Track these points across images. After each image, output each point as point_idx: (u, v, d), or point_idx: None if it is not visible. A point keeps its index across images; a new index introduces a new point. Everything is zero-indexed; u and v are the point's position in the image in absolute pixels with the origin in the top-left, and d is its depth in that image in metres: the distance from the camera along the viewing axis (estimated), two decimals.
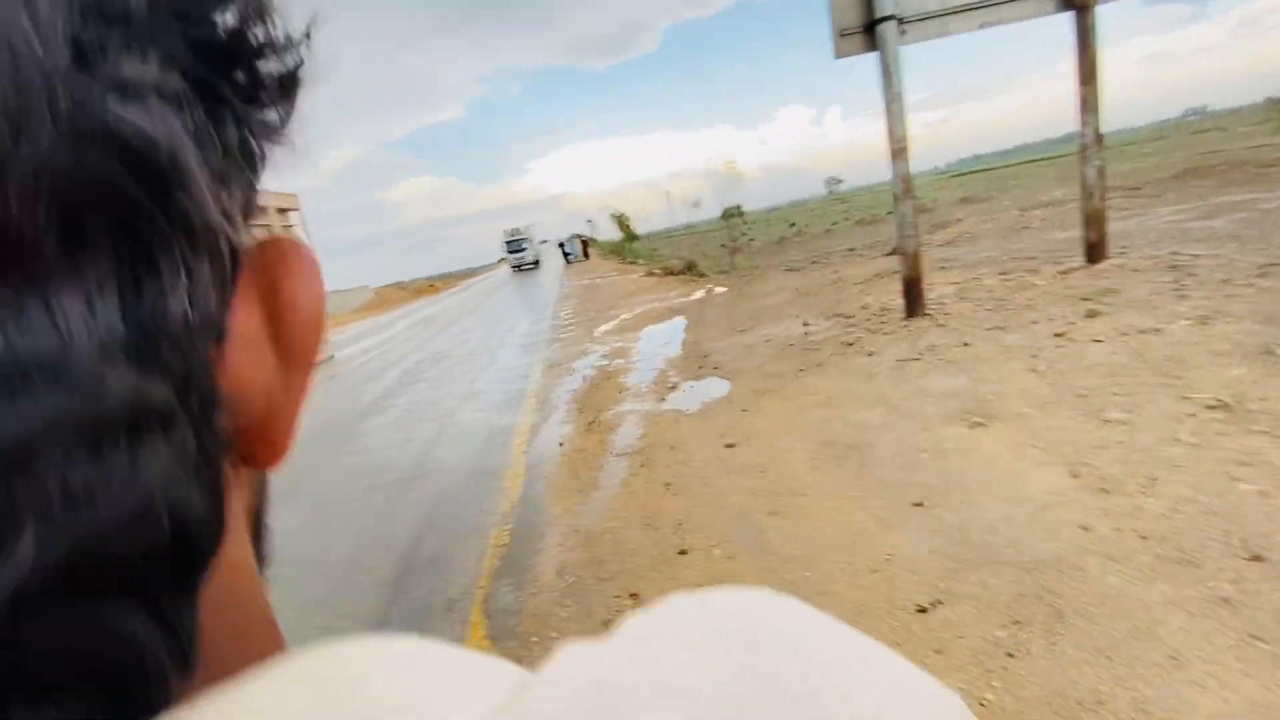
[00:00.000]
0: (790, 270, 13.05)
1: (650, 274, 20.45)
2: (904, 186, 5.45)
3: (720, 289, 12.54)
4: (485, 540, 3.39)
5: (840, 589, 2.35)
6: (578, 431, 4.97)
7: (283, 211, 39.39)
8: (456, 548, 3.38)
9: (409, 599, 2.93)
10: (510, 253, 47.63)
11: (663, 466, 3.86)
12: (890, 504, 2.81)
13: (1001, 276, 6.77)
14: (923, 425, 3.52)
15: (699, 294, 12.52)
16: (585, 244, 42.64)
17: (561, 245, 42.78)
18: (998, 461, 2.96)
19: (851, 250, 14.99)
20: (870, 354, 5.10)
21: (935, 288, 6.84)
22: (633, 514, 3.31)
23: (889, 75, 5.23)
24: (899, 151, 5.38)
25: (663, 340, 8.22)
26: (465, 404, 6.78)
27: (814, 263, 13.68)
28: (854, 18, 5.30)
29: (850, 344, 5.54)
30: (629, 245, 42.59)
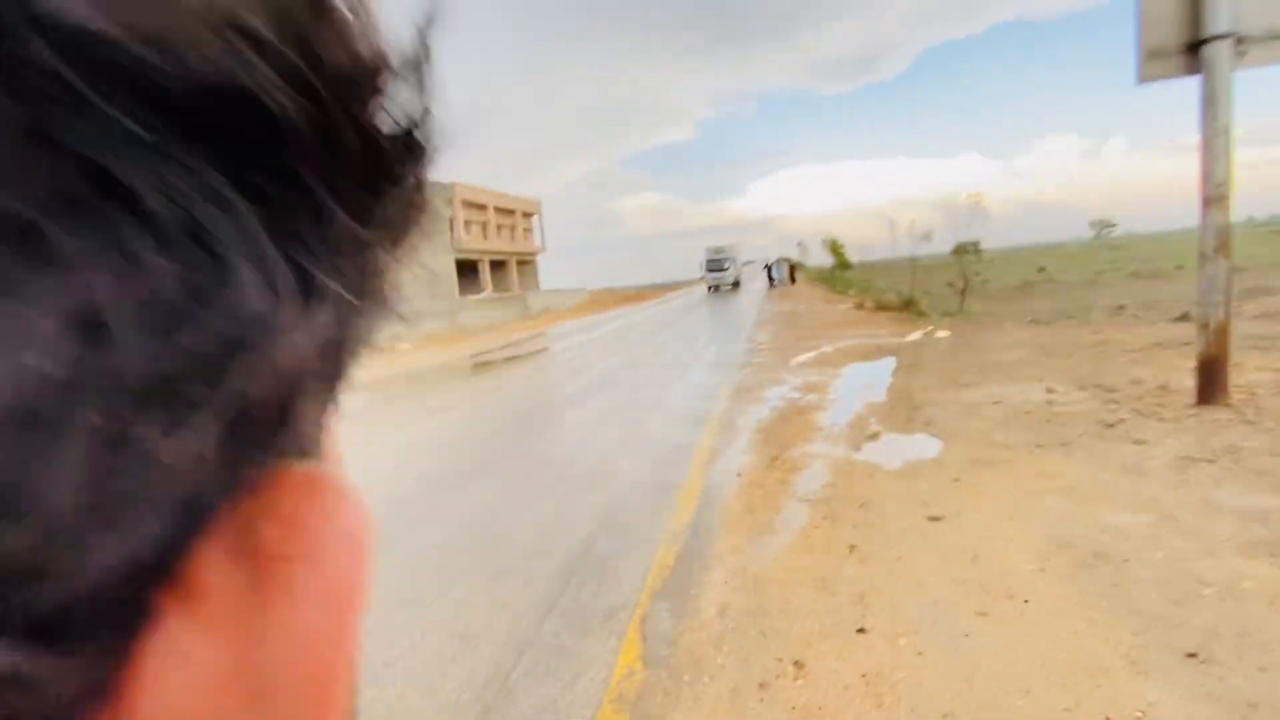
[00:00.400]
0: (1035, 323, 11.31)
1: (860, 306, 19.25)
2: (1218, 242, 4.33)
3: (942, 333, 11.31)
4: (652, 556, 3.38)
5: None
6: (758, 464, 4.77)
7: (527, 215, 44.37)
8: (624, 556, 3.41)
9: (573, 598, 3.02)
10: (709, 271, 43.47)
11: (849, 524, 3.51)
12: (1149, 644, 2.20)
13: None
14: (1209, 551, 2.72)
15: (915, 335, 11.43)
16: (793, 269, 41.61)
17: (768, 267, 42.23)
18: None
19: (1122, 308, 12.54)
20: (1139, 442, 4.13)
21: (1245, 372, 5.37)
22: (808, 570, 3.04)
23: (1214, 104, 4.19)
24: (1217, 199, 4.29)
25: (866, 381, 7.61)
26: (652, 414, 6.94)
27: (1068, 317, 11.69)
28: (1172, 35, 4.34)
29: (1111, 425, 4.55)
30: (840, 273, 40.60)
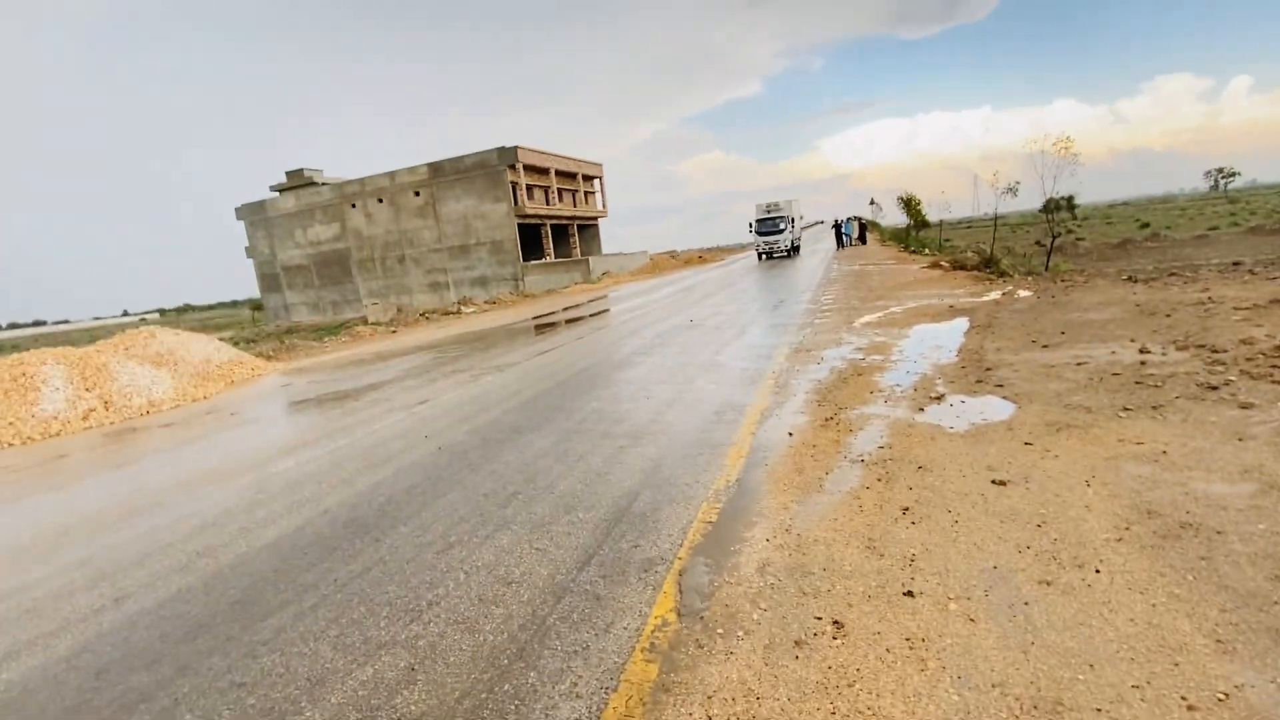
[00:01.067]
0: (1132, 280, 10.32)
1: (935, 265, 18.19)
2: None
3: (1024, 292, 10.53)
4: (694, 511, 3.32)
5: None
6: (812, 425, 4.60)
7: (589, 179, 44.03)
8: (667, 511, 3.37)
9: (613, 547, 3.01)
10: (760, 234, 32.95)
11: (904, 486, 3.32)
12: (1241, 623, 1.96)
13: None
14: None
15: (994, 294, 10.70)
16: (863, 227, 39.56)
17: (836, 225, 39.58)
18: None
19: (1237, 265, 11.24)
20: (1245, 406, 3.69)
21: None
22: (857, 531, 2.90)
23: None
24: None
25: (935, 342, 7.18)
26: (705, 374, 6.82)
27: (1171, 274, 10.60)
28: None
29: (1214, 387, 4.09)
30: (914, 233, 38.43)
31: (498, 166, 34.68)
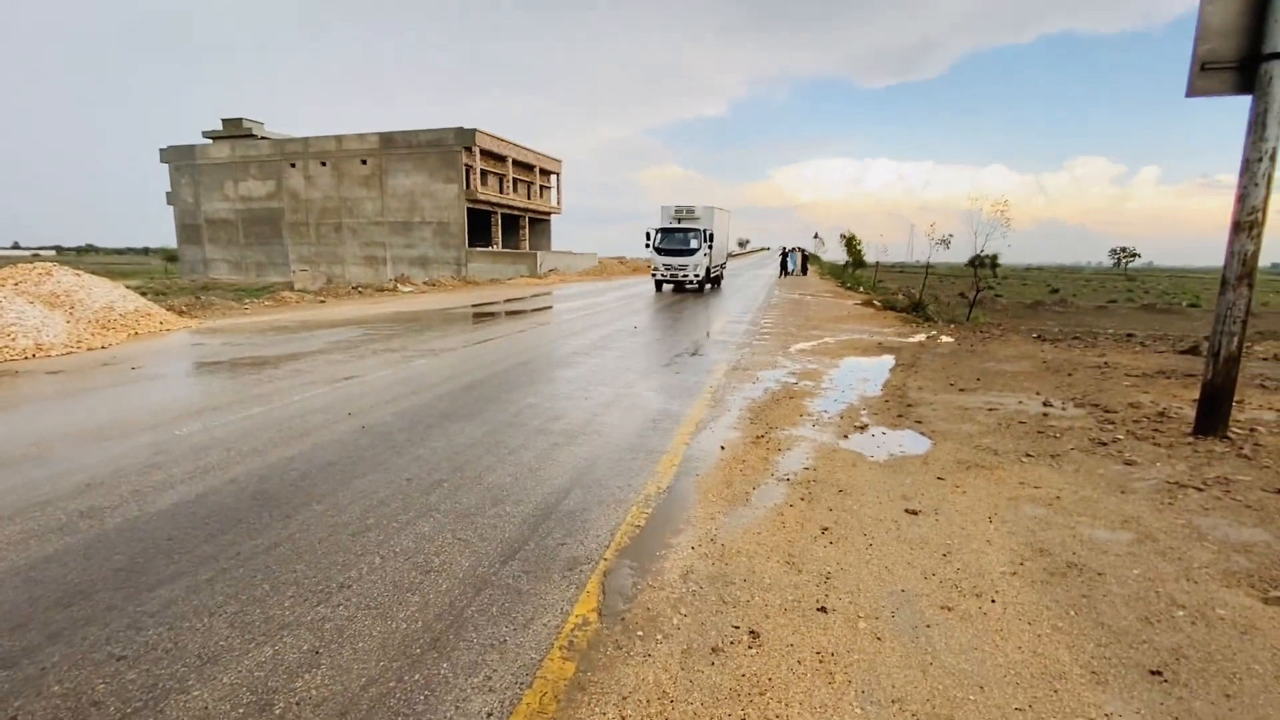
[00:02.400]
0: (1041, 339, 11.17)
1: (869, 303, 19.08)
2: (1242, 269, 4.20)
3: (946, 338, 11.19)
4: (624, 514, 3.33)
5: None
6: (744, 440, 4.71)
7: (546, 173, 43.42)
8: (596, 511, 3.36)
9: (539, 543, 2.98)
10: (661, 251, 21.50)
11: (825, 507, 3.46)
12: (1113, 657, 2.15)
13: None
14: (1187, 574, 2.66)
15: (919, 337, 11.31)
16: (806, 259, 41.07)
17: (785, 253, 40.66)
18: None
19: (1130, 336, 12.38)
20: (1129, 463, 4.06)
21: (1246, 408, 5.28)
22: (778, 546, 2.99)
23: (1262, 127, 4.02)
24: (1249, 225, 4.14)
25: (863, 375, 7.52)
26: (645, 381, 6.86)
27: (1075, 338, 11.55)
28: (1229, 49, 4.15)
29: (1104, 443, 4.48)
30: (851, 270, 40.24)
31: (453, 146, 33.79)
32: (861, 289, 27.37)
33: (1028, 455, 4.32)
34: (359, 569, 2.74)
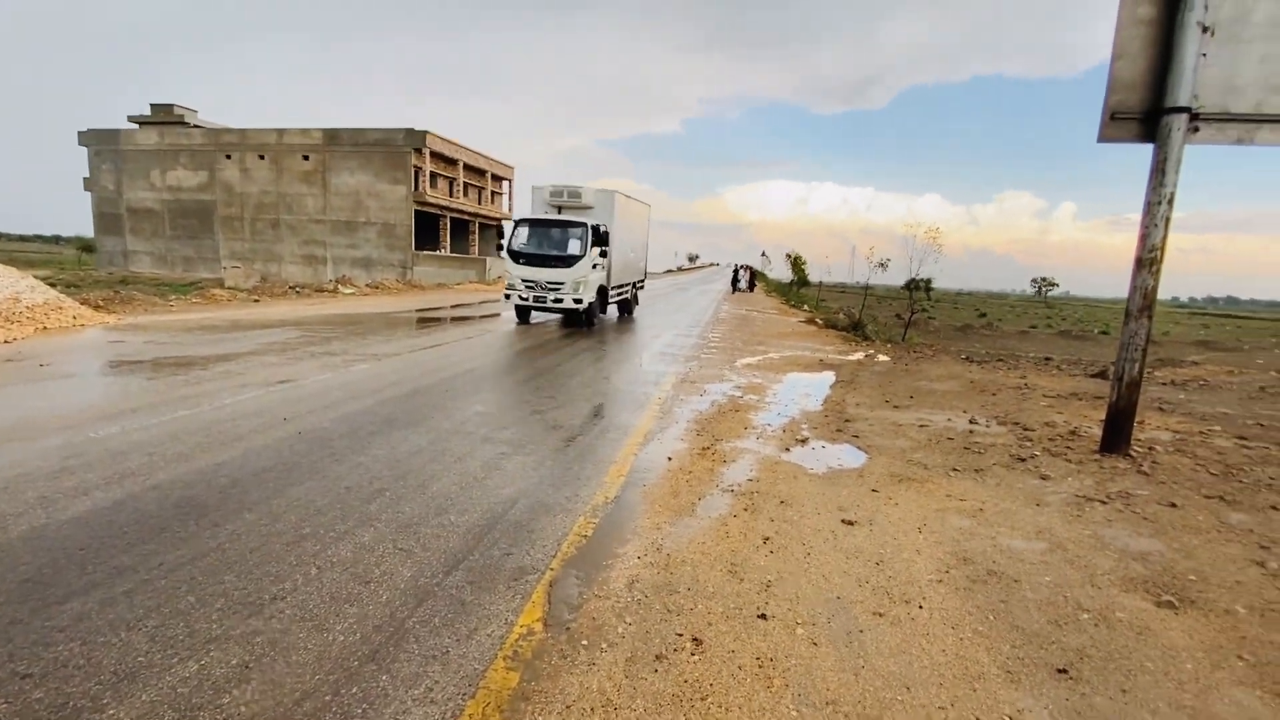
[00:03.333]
0: (969, 360, 11.82)
1: (811, 321, 19.72)
2: (1143, 302, 4.60)
3: (883, 357, 11.69)
4: (571, 524, 3.34)
5: None
6: (690, 452, 4.80)
7: (498, 179, 42.76)
8: (544, 521, 3.36)
9: (484, 554, 2.95)
10: (517, 256, 13.10)
11: (767, 518, 3.57)
12: (1026, 658, 2.31)
13: (1239, 441, 5.51)
14: (1091, 580, 2.89)
15: (857, 355, 11.77)
16: (754, 276, 42.09)
17: (737, 270, 41.35)
18: (1182, 658, 2.32)
19: (1048, 360, 13.25)
20: (1044, 478, 4.37)
21: (1146, 428, 5.75)
22: (721, 555, 3.07)
23: (1162, 173, 4.45)
24: (1149, 262, 4.56)
25: (805, 390, 7.78)
26: (593, 390, 6.88)
27: (999, 360, 12.28)
28: (1135, 101, 4.58)
29: (1022, 459, 4.79)
30: (795, 289, 41.52)
31: (403, 147, 33.03)
32: (805, 307, 28.28)
33: (955, 470, 4.57)
34: (293, 580, 2.65)
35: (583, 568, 2.89)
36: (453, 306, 17.07)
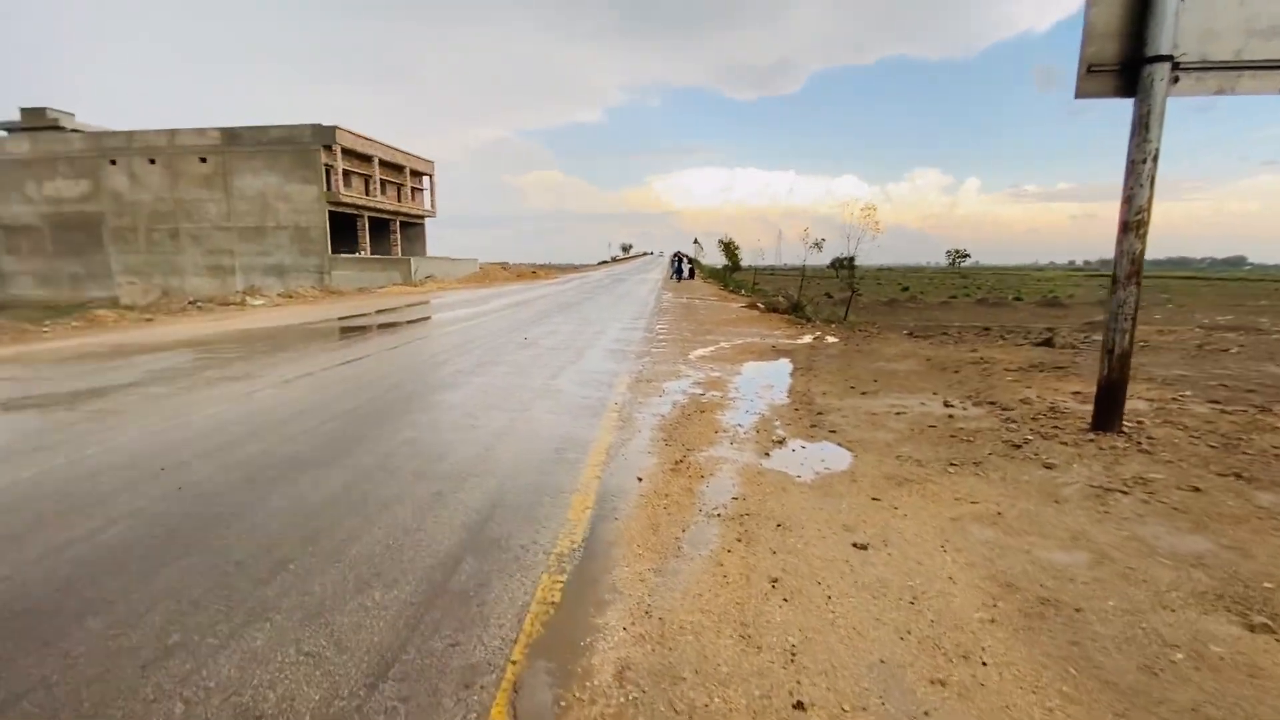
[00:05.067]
0: (915, 337, 11.74)
1: (752, 306, 19.50)
2: (1131, 268, 4.31)
3: (831, 339, 11.44)
4: (532, 586, 2.66)
5: None
6: (662, 468, 4.19)
7: (417, 174, 41.00)
8: (497, 586, 2.66)
9: (421, 648, 2.23)
10: None
11: (767, 549, 3.00)
12: None
13: (1215, 405, 5.39)
14: (1159, 601, 2.47)
15: (807, 339, 11.49)
16: (692, 265, 41.81)
17: (679, 259, 40.74)
18: None
19: (987, 330, 13.41)
20: (1049, 466, 4.00)
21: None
22: (726, 612, 2.47)
23: (1145, 128, 4.15)
24: (1136, 225, 4.26)
25: (766, 381, 7.31)
26: (541, 401, 6.16)
27: (944, 333, 12.28)
28: (1112, 51, 4.26)
29: (1017, 445, 4.44)
30: (730, 275, 41.60)
31: (310, 145, 30.73)
32: (743, 292, 28.19)
33: (952, 465, 4.15)
34: None
35: (554, 655, 2.22)
36: (376, 312, 15.79)
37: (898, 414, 5.54)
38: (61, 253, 33.63)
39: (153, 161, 32.04)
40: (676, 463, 4.29)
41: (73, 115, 35.37)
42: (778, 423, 5.38)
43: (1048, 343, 9.98)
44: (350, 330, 12.39)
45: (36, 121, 33.98)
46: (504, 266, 49.42)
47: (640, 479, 3.99)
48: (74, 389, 6.55)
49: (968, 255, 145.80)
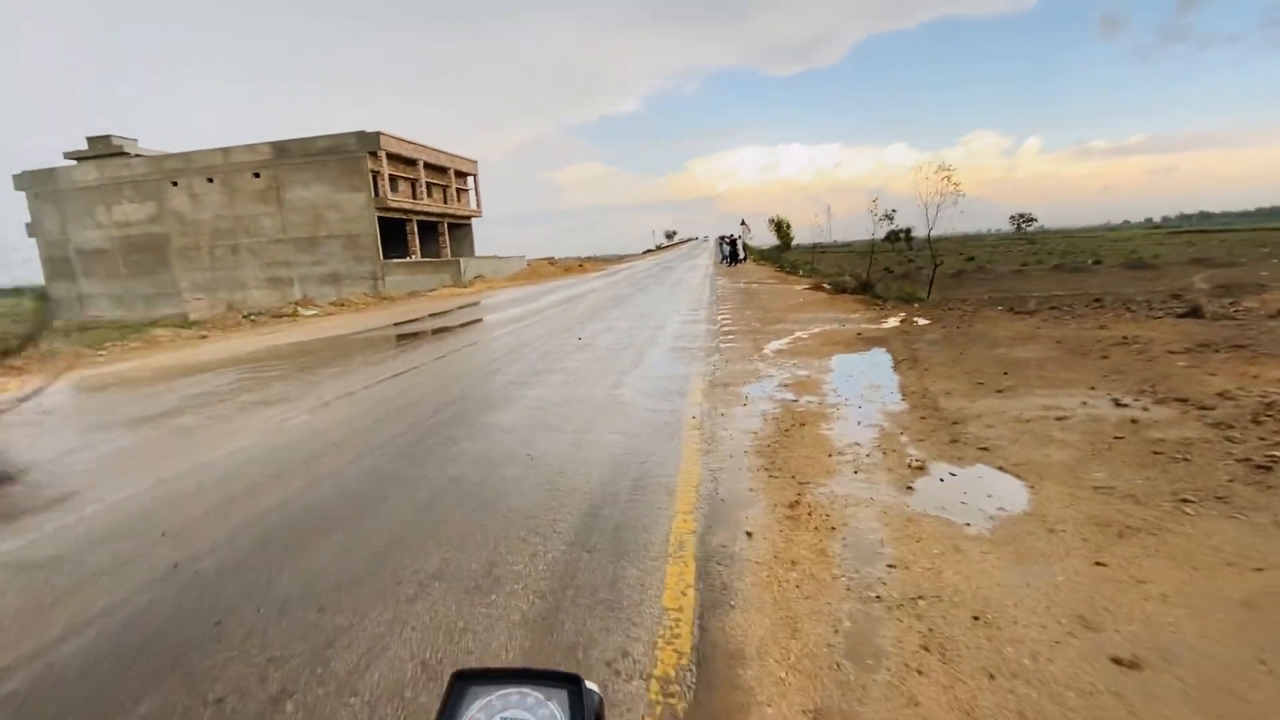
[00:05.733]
0: (1019, 314, 10.26)
1: (818, 287, 18.13)
2: None
3: (922, 320, 10.11)
4: None
5: None
6: (775, 516, 3.19)
7: (462, 175, 40.83)
8: None
9: None
10: None
11: (978, 669, 1.97)
12: None
13: None
14: None
15: (892, 322, 10.20)
16: (744, 246, 39.94)
17: (729, 241, 38.15)
18: None
19: (1098, 302, 11.73)
20: None
21: None
22: None
23: None
24: None
25: (867, 379, 6.18)
26: (606, 418, 5.25)
27: (1052, 308, 10.74)
28: None
29: (1263, 467, 3.22)
30: (783, 255, 39.73)
31: (356, 152, 30.83)
32: (800, 272, 26.62)
33: (1184, 501, 2.99)
34: None
35: None
36: (427, 318, 15.31)
37: (1059, 420, 4.35)
38: (133, 273, 35.11)
39: (210, 180, 32.93)
40: (791, 505, 3.28)
41: (135, 140, 36.77)
42: (904, 438, 4.29)
43: (1194, 313, 8.39)
44: (398, 338, 11.85)
45: (102, 149, 35.47)
46: (551, 262, 49.01)
47: (750, 533, 3.01)
48: (100, 422, 6.06)
49: (1034, 219, 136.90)
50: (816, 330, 9.77)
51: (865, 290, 16.35)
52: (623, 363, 7.69)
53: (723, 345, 8.70)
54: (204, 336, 13.62)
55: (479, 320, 14.39)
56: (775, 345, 8.50)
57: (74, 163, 35.14)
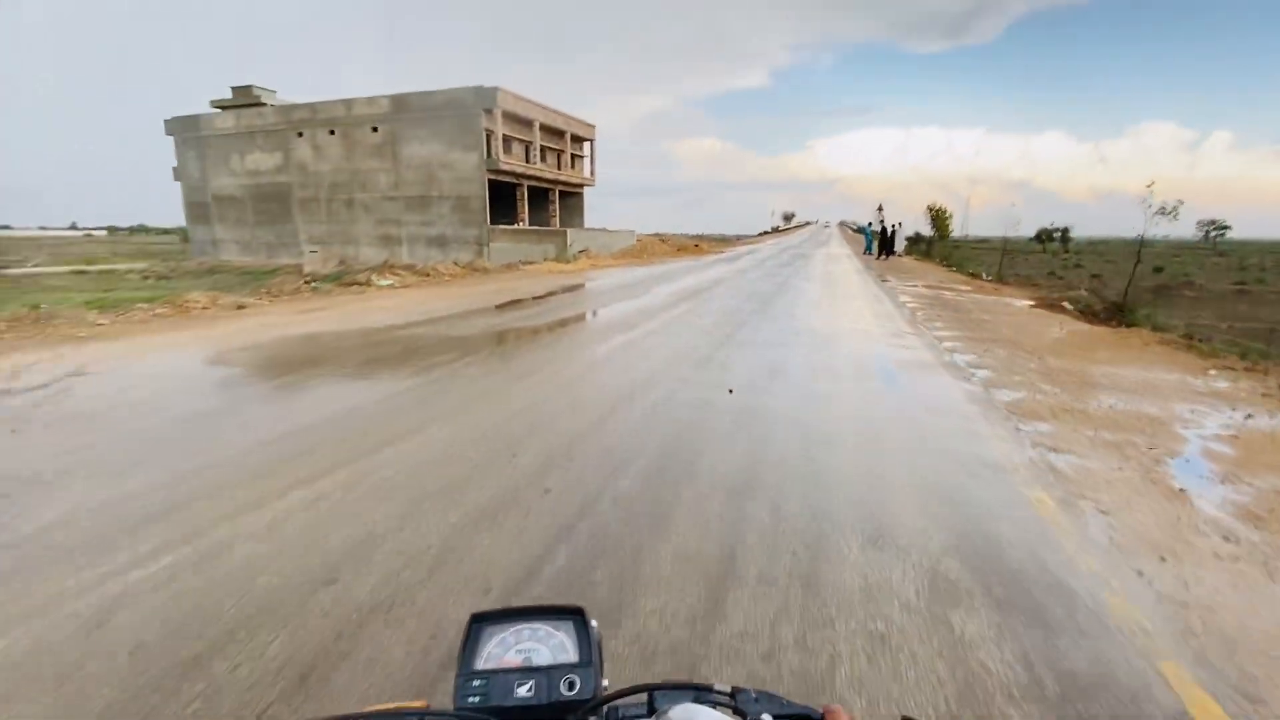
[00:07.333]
0: None
1: (1051, 306, 13.29)
2: None
3: None
4: None
5: None
6: None
7: (578, 140, 37.12)
8: None
9: None
10: None
11: None
12: None
13: None
14: None
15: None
16: (894, 235, 33.83)
17: (882, 228, 32.52)
18: None
19: None
20: None
21: None
22: None
23: None
24: None
25: None
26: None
27: None
28: None
29: None
30: (947, 249, 33.33)
31: (472, 109, 28.47)
32: (985, 275, 21.22)
33: None
34: None
35: None
36: (512, 305, 12.09)
37: None
38: (260, 221, 35.34)
39: (332, 132, 32.04)
40: None
41: (274, 92, 36.82)
42: None
43: None
44: (459, 346, 8.67)
45: (244, 99, 35.70)
46: (662, 239, 45.19)
47: None
48: None
49: (1227, 227, 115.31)
50: (1175, 409, 5.48)
51: (1120, 314, 11.47)
52: (853, 492, 3.88)
53: (1059, 463, 4.67)
54: (241, 307, 11.16)
55: (575, 319, 11.04)
56: (1144, 446, 4.38)
57: (218, 111, 35.65)
